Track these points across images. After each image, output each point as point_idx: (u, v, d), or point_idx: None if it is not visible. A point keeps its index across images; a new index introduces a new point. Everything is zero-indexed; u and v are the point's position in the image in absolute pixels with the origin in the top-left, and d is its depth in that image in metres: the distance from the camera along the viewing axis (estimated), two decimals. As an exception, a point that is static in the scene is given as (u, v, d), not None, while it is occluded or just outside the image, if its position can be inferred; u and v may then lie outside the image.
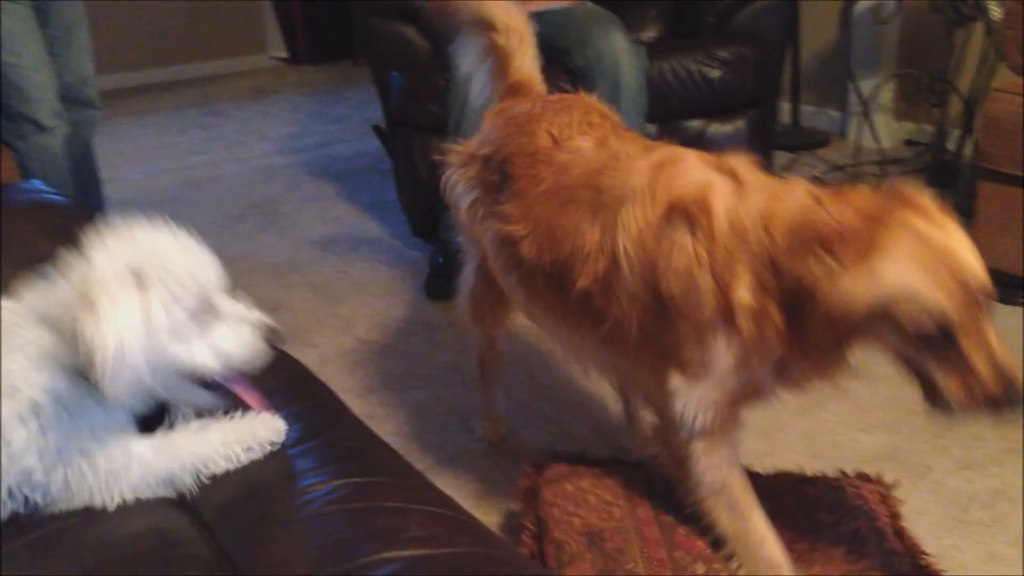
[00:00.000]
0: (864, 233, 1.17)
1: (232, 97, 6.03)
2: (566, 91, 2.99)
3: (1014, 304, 2.64)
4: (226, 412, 1.12)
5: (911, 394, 2.26)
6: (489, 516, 1.86)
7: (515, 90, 1.84)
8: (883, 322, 1.18)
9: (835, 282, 1.17)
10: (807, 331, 1.23)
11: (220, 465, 1.07)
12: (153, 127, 5.38)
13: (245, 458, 1.09)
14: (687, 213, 1.32)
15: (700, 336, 1.34)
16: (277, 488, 1.02)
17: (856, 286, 1.16)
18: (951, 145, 3.66)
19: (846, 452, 2.05)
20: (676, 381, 1.39)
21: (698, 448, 1.41)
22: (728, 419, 1.41)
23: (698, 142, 3.14)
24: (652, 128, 3.08)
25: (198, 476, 1.06)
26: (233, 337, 1.09)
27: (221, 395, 1.13)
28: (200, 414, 1.12)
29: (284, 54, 6.96)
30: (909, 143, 4.03)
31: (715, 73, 3.05)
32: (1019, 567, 1.67)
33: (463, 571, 0.89)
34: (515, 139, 1.63)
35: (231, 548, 0.95)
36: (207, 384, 1.11)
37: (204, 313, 1.07)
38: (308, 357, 2.54)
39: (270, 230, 3.65)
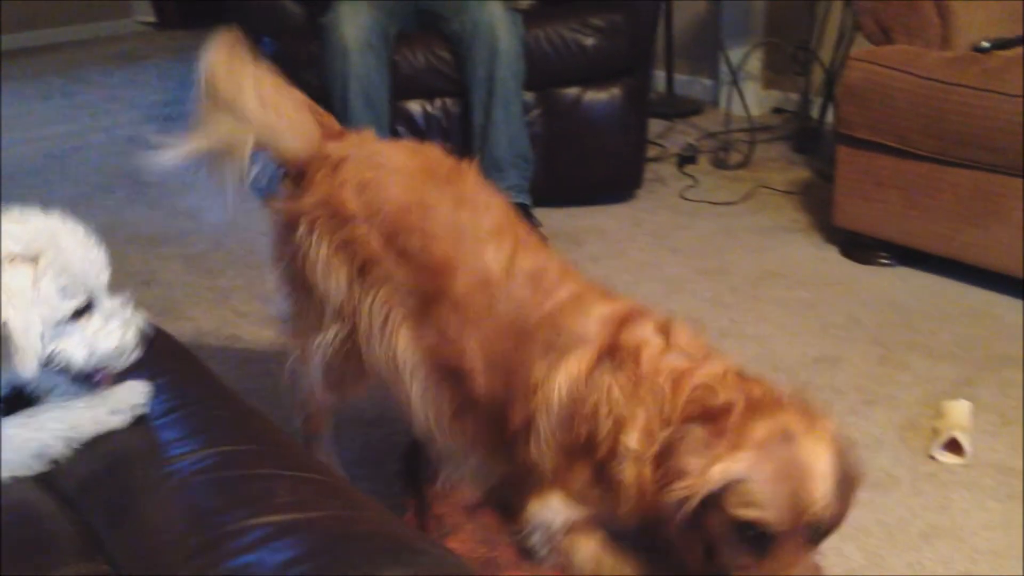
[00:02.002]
0: (741, 422, 1.24)
1: (97, 63, 5.77)
2: (442, 58, 3.01)
3: (872, 264, 2.78)
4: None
5: (775, 352, 2.37)
6: (371, 483, 1.86)
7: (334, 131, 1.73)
8: (715, 508, 1.23)
9: (696, 455, 1.23)
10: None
11: (89, 429, 1.06)
12: (12, 95, 5.11)
13: (115, 421, 1.08)
14: (617, 356, 1.39)
15: (589, 472, 1.40)
16: (142, 459, 1.01)
17: (707, 463, 1.22)
18: (815, 113, 3.82)
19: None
20: (554, 501, 1.44)
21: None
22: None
23: (574, 109, 3.18)
24: (529, 96, 3.11)
25: (69, 444, 1.05)
26: (108, 335, 1.10)
27: (84, 386, 1.13)
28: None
29: (151, 18, 6.70)
30: (776, 111, 4.18)
31: (589, 40, 3.09)
32: (872, 510, 1.77)
33: (333, 534, 0.89)
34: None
35: (95, 521, 0.93)
36: (75, 376, 1.11)
37: (86, 308, 1.08)
38: (183, 330, 2.49)
39: (140, 201, 3.53)
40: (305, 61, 2.95)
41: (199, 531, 0.89)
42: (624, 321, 1.45)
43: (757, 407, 1.27)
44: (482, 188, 1.63)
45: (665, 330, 1.43)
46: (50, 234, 1.06)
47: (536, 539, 1.48)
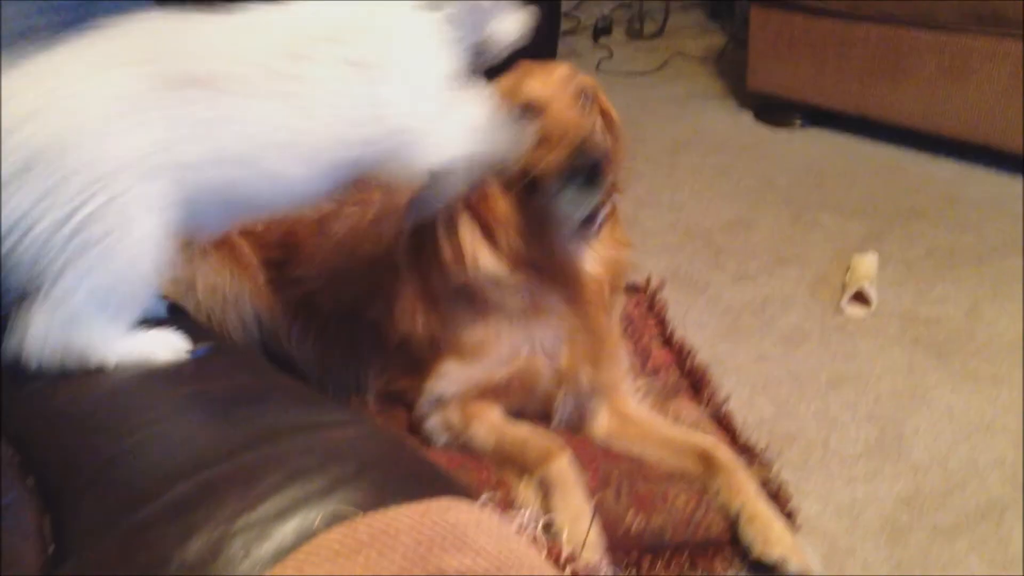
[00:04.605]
0: None
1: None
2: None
3: (785, 127, 2.81)
4: None
5: (691, 218, 2.39)
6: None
7: None
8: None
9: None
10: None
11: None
12: None
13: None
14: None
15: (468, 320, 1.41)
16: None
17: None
18: (729, -23, 3.78)
19: (632, 274, 2.15)
20: (445, 368, 1.43)
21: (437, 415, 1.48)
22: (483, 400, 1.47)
23: None
24: None
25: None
26: None
27: None
28: None
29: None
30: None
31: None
32: (783, 364, 1.83)
33: (238, 400, 0.89)
34: (304, 227, 1.58)
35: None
36: None
37: None
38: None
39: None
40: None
41: (111, 418, 0.88)
42: None
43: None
44: None
45: None
46: None
47: (432, 417, 1.48)
